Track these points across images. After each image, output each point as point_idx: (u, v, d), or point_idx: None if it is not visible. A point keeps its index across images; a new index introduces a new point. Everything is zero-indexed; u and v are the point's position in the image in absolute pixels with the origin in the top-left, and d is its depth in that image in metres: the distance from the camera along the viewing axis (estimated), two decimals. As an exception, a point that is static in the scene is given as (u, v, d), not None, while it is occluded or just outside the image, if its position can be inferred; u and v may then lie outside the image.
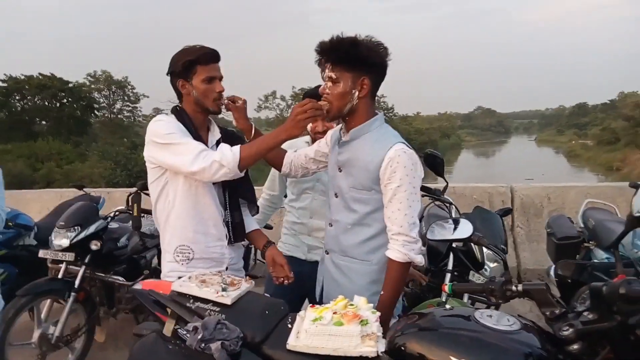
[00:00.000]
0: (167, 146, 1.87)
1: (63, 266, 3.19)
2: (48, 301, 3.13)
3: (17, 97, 38.79)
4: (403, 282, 1.84)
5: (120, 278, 3.41)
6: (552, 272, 3.54)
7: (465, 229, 2.45)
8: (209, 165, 1.81)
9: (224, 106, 2.05)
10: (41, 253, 3.26)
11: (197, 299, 1.64)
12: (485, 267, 2.76)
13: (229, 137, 2.13)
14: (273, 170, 2.51)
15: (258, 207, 2.30)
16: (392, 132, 1.87)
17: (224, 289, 1.64)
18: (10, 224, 3.64)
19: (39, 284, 3.05)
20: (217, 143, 2.06)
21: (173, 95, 2.07)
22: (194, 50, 1.95)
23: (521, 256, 4.95)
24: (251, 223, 2.23)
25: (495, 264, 2.74)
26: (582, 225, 3.57)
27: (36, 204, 5.68)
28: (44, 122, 40.04)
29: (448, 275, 2.64)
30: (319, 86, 2.29)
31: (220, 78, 2.00)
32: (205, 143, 2.01)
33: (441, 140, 66.87)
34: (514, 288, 1.48)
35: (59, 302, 3.16)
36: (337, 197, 1.93)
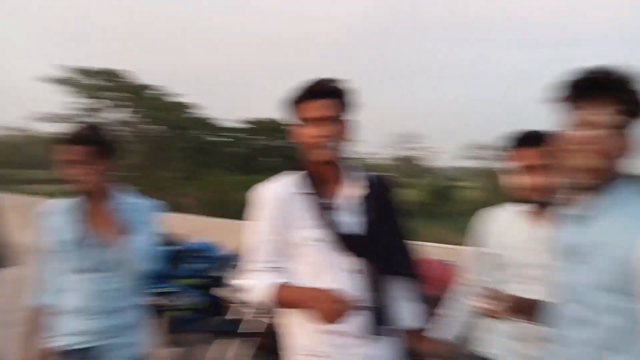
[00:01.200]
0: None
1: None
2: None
3: (253, 137, 45.15)
4: None
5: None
6: None
7: None
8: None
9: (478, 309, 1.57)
10: (219, 292, 3.26)
11: None
12: None
13: (375, 188, 1.64)
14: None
15: (417, 281, 1.67)
16: None
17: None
18: (210, 255, 3.77)
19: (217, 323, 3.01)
20: (364, 199, 1.60)
21: None
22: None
23: None
24: (406, 312, 1.65)
25: None
26: None
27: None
28: (269, 159, 45.58)
29: None
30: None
31: (324, 118, 1.53)
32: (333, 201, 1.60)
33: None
34: None
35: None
36: (570, 301, 1.32)
